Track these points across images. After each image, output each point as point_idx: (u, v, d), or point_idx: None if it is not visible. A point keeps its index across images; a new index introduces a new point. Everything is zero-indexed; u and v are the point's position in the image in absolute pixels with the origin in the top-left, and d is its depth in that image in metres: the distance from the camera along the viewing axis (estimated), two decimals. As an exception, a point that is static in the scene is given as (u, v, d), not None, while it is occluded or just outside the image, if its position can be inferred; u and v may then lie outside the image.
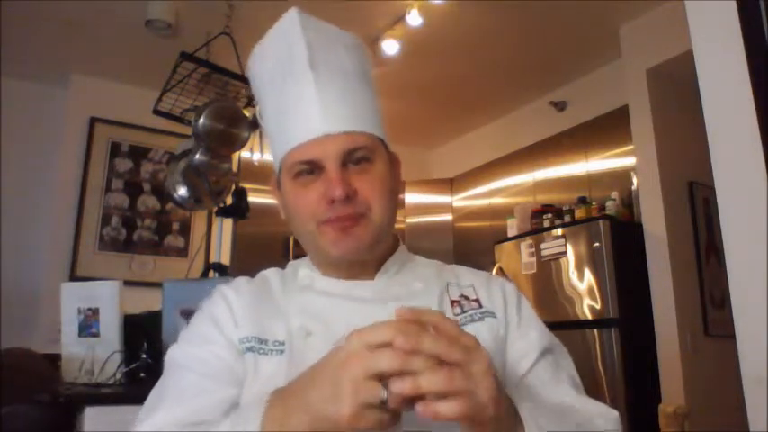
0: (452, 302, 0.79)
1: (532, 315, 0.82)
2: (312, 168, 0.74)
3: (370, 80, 0.82)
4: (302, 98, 0.74)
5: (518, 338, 0.78)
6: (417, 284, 0.80)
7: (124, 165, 3.99)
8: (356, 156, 0.74)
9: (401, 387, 0.51)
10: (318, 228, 0.74)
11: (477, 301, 0.80)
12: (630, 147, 3.36)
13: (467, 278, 0.84)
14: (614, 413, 0.73)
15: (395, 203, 0.80)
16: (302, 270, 0.82)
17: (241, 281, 0.83)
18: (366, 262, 0.79)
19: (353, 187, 0.73)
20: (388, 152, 0.80)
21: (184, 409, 0.68)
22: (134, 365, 1.66)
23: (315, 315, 0.75)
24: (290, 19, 0.78)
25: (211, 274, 2.25)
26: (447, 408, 0.51)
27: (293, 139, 0.74)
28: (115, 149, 3.96)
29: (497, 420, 0.55)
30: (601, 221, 3.06)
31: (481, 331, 0.75)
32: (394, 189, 0.80)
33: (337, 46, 0.79)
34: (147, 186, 4.02)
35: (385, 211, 0.76)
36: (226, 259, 2.54)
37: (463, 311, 0.78)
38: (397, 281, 0.79)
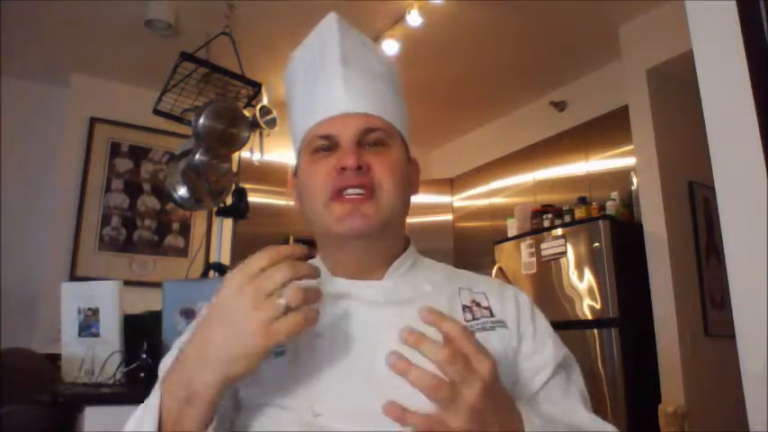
0: (464, 307, 0.78)
1: (547, 327, 0.81)
2: (329, 145, 0.76)
3: (399, 90, 0.84)
4: (329, 85, 0.78)
5: (532, 352, 0.77)
6: (427, 287, 0.78)
7: (124, 165, 3.99)
8: (372, 137, 0.76)
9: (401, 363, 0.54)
10: (328, 203, 0.74)
11: (488, 308, 0.79)
12: (630, 147, 3.36)
13: (479, 285, 0.82)
14: None
15: (407, 197, 0.80)
16: None
17: None
18: (375, 259, 0.78)
19: (366, 161, 0.74)
20: (408, 153, 0.82)
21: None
22: (134, 365, 1.65)
23: (322, 317, 0.74)
24: (329, 22, 0.82)
25: (211, 274, 2.25)
26: (418, 375, 0.54)
27: (316, 116, 0.78)
28: (115, 149, 3.96)
29: None
30: (601, 221, 3.05)
31: (492, 341, 0.74)
32: (409, 184, 0.80)
33: (370, 52, 0.83)
34: (147, 186, 4.02)
35: (396, 194, 0.75)
36: (226, 259, 2.54)
37: (474, 318, 0.77)
38: (406, 282, 0.78)
